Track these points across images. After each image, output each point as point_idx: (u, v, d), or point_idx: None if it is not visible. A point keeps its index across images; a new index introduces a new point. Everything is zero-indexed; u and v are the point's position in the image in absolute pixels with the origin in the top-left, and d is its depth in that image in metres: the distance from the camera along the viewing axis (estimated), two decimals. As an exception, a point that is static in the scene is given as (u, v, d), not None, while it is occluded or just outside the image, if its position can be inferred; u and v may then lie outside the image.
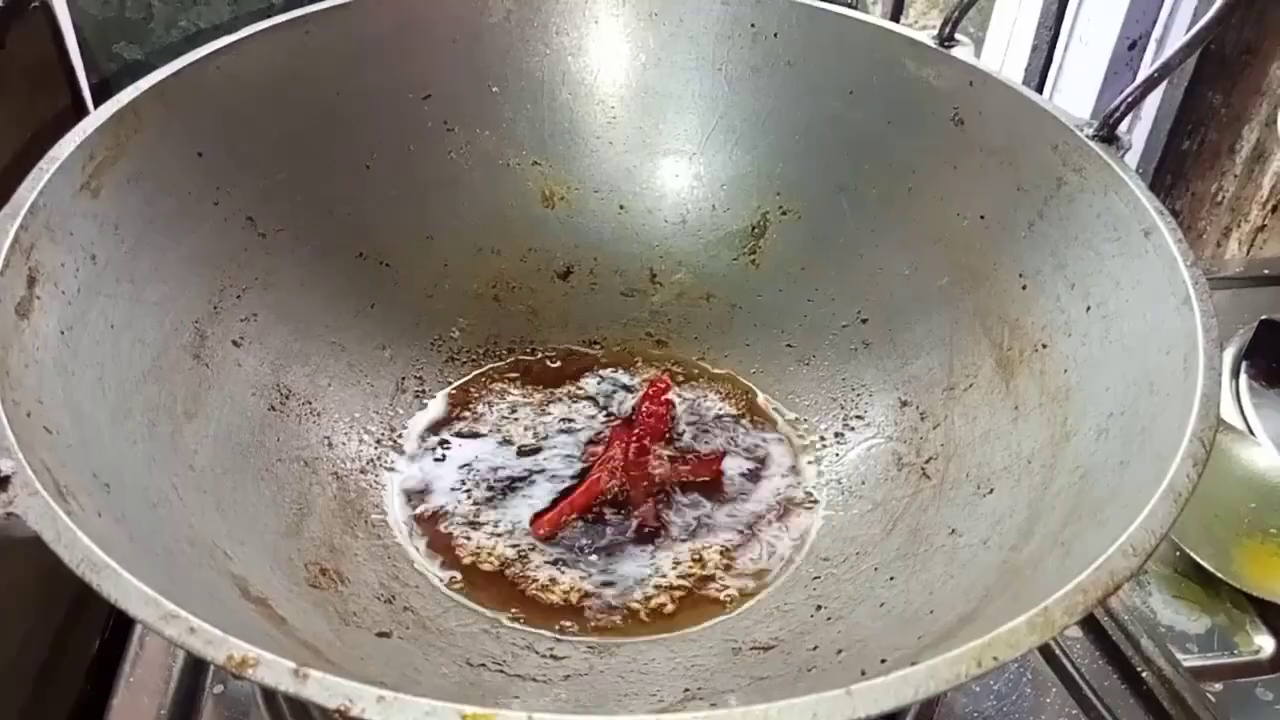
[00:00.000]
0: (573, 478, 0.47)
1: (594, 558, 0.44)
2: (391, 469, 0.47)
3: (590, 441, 0.49)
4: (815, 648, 0.37)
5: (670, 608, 0.42)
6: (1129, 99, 0.42)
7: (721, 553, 0.44)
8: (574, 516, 0.45)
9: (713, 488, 0.47)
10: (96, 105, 0.40)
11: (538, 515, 0.45)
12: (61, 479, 0.28)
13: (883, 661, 0.32)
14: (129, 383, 0.36)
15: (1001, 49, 1.14)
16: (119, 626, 0.47)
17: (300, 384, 0.46)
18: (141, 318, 0.38)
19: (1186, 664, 0.44)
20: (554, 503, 0.46)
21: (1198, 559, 0.47)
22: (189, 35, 0.58)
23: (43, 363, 0.32)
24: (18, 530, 0.26)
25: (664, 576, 0.43)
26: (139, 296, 0.39)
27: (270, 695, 0.41)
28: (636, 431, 0.48)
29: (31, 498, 0.26)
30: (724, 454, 0.49)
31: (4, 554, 0.42)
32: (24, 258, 0.33)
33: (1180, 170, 0.87)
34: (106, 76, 0.57)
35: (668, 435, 0.49)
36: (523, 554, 0.43)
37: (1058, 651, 0.44)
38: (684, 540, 0.44)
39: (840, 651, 0.36)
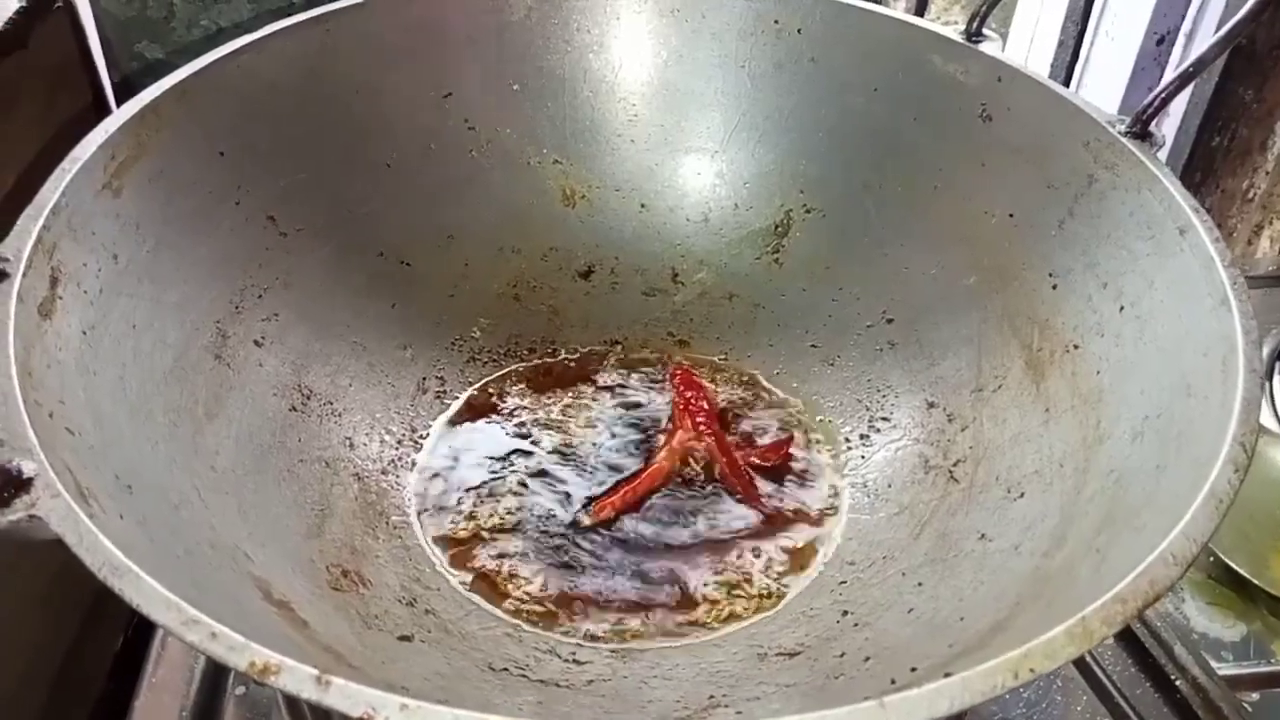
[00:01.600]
0: (603, 477, 0.47)
1: (629, 560, 0.43)
2: (412, 469, 0.47)
3: (625, 440, 0.49)
4: (842, 655, 0.36)
5: (706, 611, 0.41)
6: (1163, 95, 0.41)
7: (748, 555, 0.43)
8: (636, 501, 0.45)
9: (780, 472, 0.47)
10: (118, 104, 0.40)
11: (595, 499, 0.45)
12: (83, 480, 0.28)
13: (913, 670, 0.31)
14: (150, 383, 0.36)
15: (1025, 45, 1.13)
16: (141, 625, 0.47)
17: (321, 384, 0.46)
18: (163, 318, 0.38)
19: (1221, 672, 0.43)
20: (612, 488, 0.46)
21: (1233, 565, 0.46)
22: (210, 34, 0.57)
23: (65, 363, 0.32)
24: (40, 533, 0.26)
25: (700, 579, 0.42)
26: (160, 296, 0.38)
27: (292, 700, 0.40)
28: (699, 420, 0.48)
29: (54, 500, 0.26)
30: (791, 437, 0.48)
31: (25, 552, 0.42)
32: (47, 258, 0.33)
33: (1210, 167, 0.86)
34: (128, 75, 0.57)
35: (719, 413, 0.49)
36: (545, 555, 0.43)
37: (1089, 659, 0.43)
38: (716, 542, 0.44)
39: (868, 659, 0.35)
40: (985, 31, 0.49)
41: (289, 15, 0.46)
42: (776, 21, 0.52)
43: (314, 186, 0.47)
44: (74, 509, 0.26)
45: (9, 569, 0.42)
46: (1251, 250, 0.88)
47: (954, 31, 0.49)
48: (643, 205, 0.55)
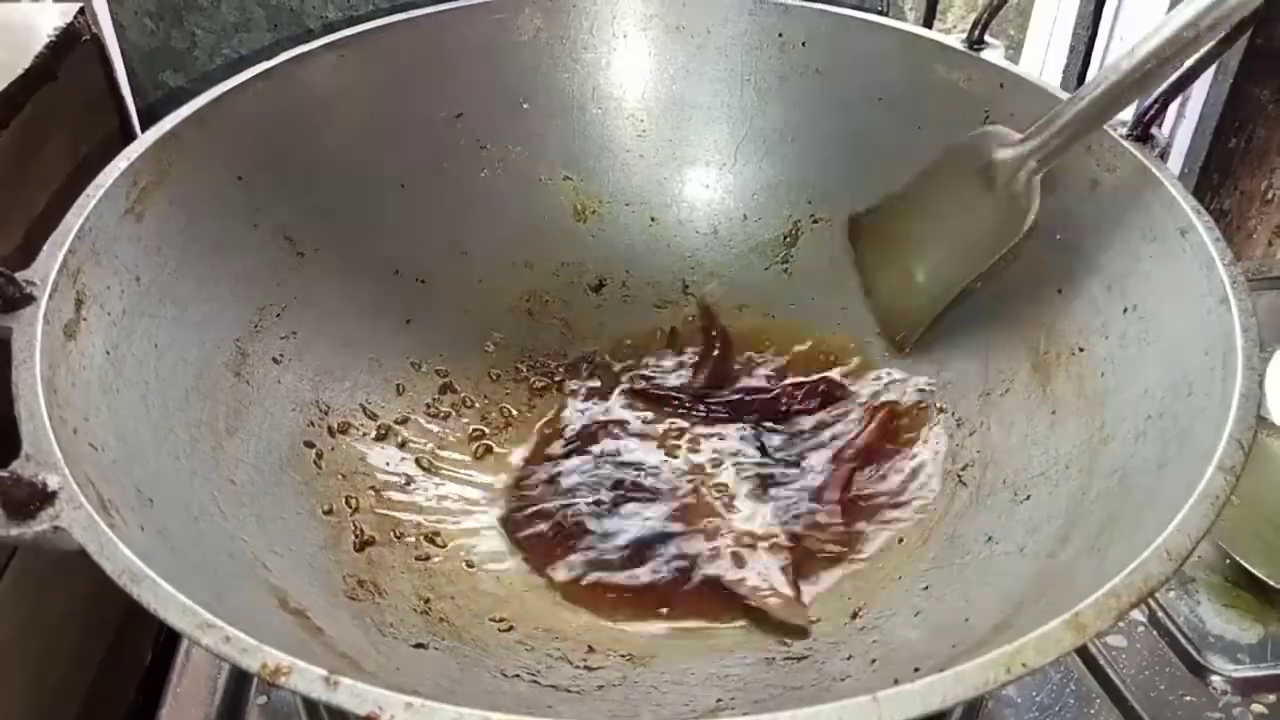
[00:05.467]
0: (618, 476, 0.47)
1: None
2: (426, 482, 0.47)
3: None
4: (849, 657, 0.36)
5: (721, 615, 0.41)
6: (1161, 98, 0.41)
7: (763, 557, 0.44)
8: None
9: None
10: (144, 132, 0.42)
11: None
12: (105, 493, 0.29)
13: (916, 670, 0.31)
14: (172, 400, 0.38)
15: (1041, 50, 1.13)
16: (169, 641, 0.48)
17: (339, 399, 0.47)
18: (184, 337, 0.40)
19: (1237, 675, 0.43)
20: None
21: (1248, 566, 0.46)
22: (231, 62, 0.59)
23: (89, 382, 0.33)
24: (65, 544, 0.27)
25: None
26: (182, 317, 0.40)
27: (312, 706, 0.41)
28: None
29: (77, 511, 0.27)
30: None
31: (59, 569, 0.43)
32: (72, 281, 0.35)
33: (1228, 168, 0.85)
34: (153, 103, 0.59)
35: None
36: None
37: (1102, 662, 0.43)
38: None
39: (874, 661, 0.35)
40: (989, 39, 0.49)
41: (308, 41, 0.48)
42: (781, 35, 0.53)
43: (330, 208, 0.48)
44: (96, 520, 0.27)
45: (45, 588, 0.43)
46: (1272, 251, 0.87)
47: (956, 40, 0.49)
48: (653, 219, 0.56)
